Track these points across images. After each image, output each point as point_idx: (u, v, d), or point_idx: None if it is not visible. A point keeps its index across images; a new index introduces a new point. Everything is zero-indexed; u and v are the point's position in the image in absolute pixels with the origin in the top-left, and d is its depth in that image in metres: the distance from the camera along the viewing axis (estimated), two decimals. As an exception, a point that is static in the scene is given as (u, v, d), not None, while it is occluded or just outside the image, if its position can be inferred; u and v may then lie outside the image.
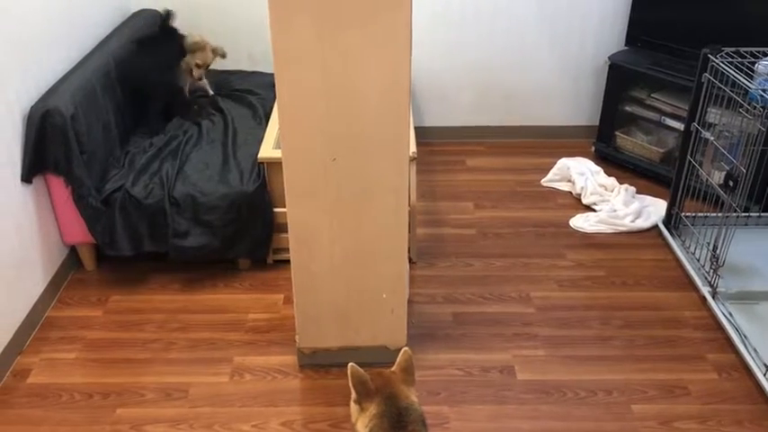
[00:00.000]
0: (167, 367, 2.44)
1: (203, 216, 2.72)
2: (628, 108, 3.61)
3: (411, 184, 2.66)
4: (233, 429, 2.20)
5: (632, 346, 2.52)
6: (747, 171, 2.53)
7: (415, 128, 3.21)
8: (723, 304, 2.63)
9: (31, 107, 2.55)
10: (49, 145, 2.55)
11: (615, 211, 3.24)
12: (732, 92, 2.60)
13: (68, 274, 2.88)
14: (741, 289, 2.69)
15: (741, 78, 2.54)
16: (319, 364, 2.41)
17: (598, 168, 3.54)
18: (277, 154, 2.57)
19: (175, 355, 2.49)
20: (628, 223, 3.18)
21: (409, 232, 2.37)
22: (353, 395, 1.65)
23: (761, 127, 2.47)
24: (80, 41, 3.00)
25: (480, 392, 2.32)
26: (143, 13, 3.53)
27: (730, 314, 2.58)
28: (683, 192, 3.00)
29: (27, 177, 2.55)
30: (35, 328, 2.61)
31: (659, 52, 3.44)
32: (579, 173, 3.48)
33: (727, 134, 2.95)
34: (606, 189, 3.40)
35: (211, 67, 3.39)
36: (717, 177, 2.99)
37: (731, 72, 2.59)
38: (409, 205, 2.29)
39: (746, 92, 2.55)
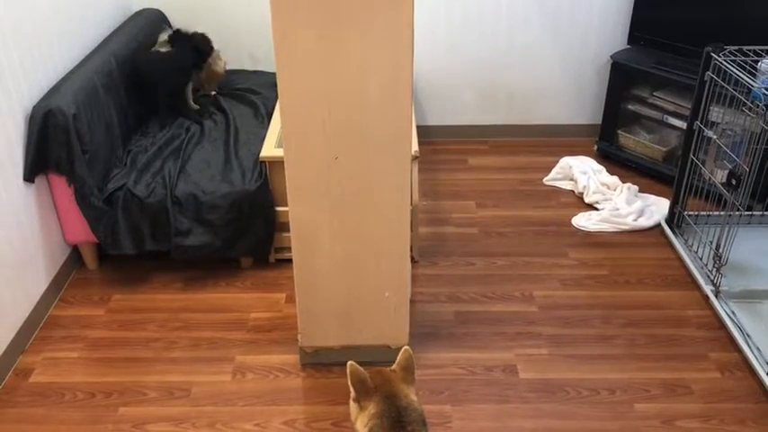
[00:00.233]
0: (169, 366, 2.44)
1: (205, 215, 2.72)
2: (630, 107, 3.60)
3: (413, 182, 2.66)
4: (235, 428, 2.20)
5: (635, 344, 2.51)
6: (750, 169, 2.52)
7: (418, 127, 3.20)
8: (726, 303, 2.62)
9: (34, 107, 2.55)
10: (51, 144, 2.55)
11: (618, 209, 3.23)
12: (735, 90, 2.60)
13: (70, 273, 2.89)
14: (744, 288, 2.68)
15: (744, 77, 2.53)
16: (321, 362, 2.41)
17: (600, 167, 3.54)
18: (279, 153, 2.57)
19: (177, 354, 2.49)
20: (630, 222, 3.17)
21: (411, 231, 2.36)
22: (352, 394, 1.64)
23: (764, 125, 2.47)
24: (82, 41, 3.01)
25: (483, 391, 2.32)
26: (144, 13, 3.53)
27: (733, 313, 2.57)
28: (685, 190, 3.00)
29: (29, 177, 2.55)
30: (37, 327, 2.61)
31: (662, 51, 3.43)
32: (582, 171, 3.47)
33: (730, 132, 2.94)
34: (609, 188, 3.39)
35: (212, 66, 3.44)
36: (720, 176, 2.98)
37: (734, 70, 2.58)
38: (411, 204, 2.29)
39: (749, 90, 2.54)
